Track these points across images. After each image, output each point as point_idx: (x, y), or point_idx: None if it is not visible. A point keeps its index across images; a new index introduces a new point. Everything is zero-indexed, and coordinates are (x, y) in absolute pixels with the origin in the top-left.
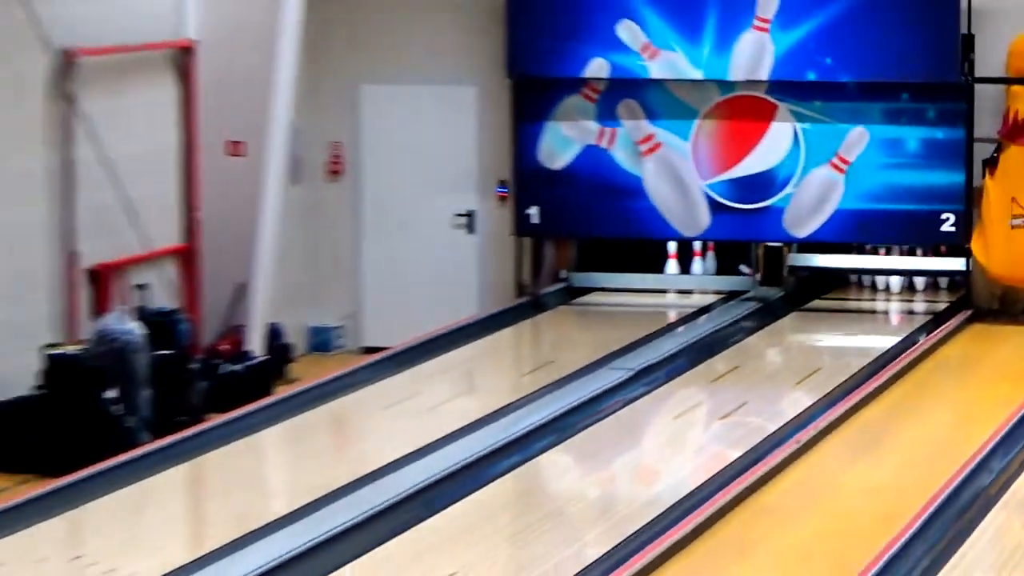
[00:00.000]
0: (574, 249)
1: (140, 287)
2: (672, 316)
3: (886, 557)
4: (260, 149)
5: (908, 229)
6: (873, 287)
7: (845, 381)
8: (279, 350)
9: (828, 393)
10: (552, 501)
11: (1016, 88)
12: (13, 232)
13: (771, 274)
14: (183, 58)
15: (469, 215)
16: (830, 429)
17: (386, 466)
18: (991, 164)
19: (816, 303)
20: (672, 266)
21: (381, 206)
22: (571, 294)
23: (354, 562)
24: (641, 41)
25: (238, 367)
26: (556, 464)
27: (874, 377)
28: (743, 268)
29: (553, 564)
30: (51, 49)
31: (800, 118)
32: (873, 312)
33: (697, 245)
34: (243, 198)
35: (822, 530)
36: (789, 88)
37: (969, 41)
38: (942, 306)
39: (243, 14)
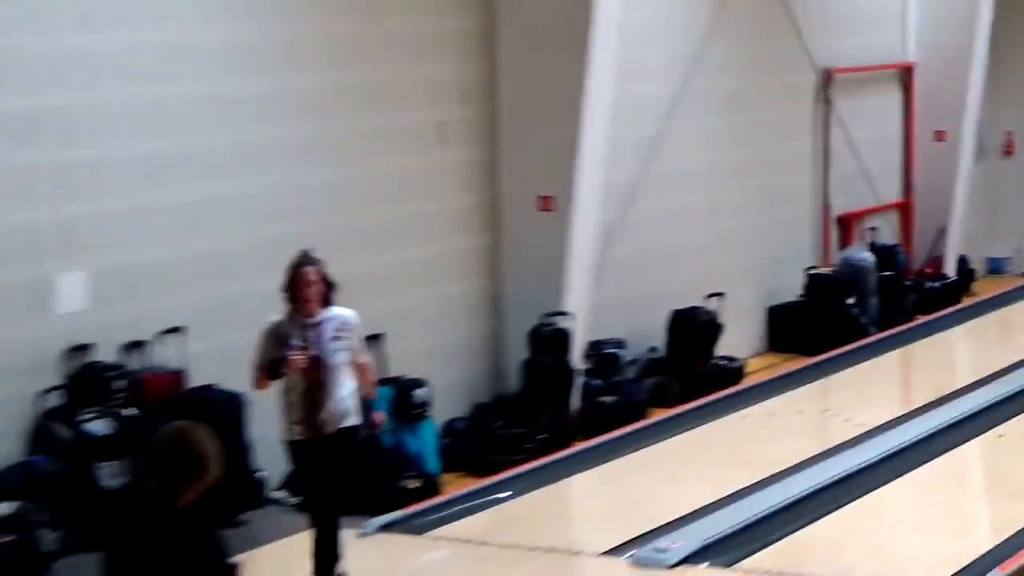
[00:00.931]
0: None
1: (872, 229)
2: None
3: None
4: (956, 136)
5: None
6: None
7: None
8: (965, 273)
9: None
10: None
11: None
12: (788, 191)
13: None
14: (905, 75)
15: None
16: None
17: None
18: None
19: None
20: None
21: None
22: None
23: (1012, 420)
24: None
25: (937, 284)
26: None
27: None
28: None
29: None
30: (816, 69)
31: None
32: None
33: None
34: (943, 170)
35: None
36: None
37: None
38: None
39: (946, 44)
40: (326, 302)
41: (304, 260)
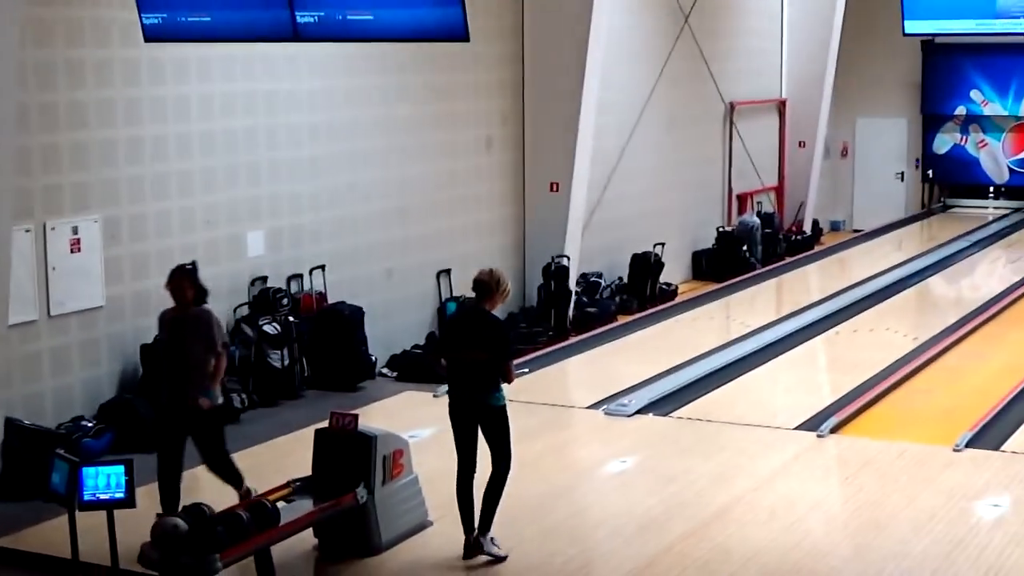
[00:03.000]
0: (948, 188)
1: (758, 202)
2: (990, 217)
3: None
4: (812, 145)
5: None
6: None
7: None
8: (816, 231)
9: None
10: None
11: None
12: (706, 178)
13: None
14: (780, 106)
15: (902, 174)
16: None
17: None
18: None
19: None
20: (991, 195)
21: (864, 169)
22: (946, 208)
23: (843, 323)
24: (980, 98)
25: (798, 237)
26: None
27: None
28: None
29: None
30: (725, 102)
31: None
32: None
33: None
34: (803, 166)
35: None
36: None
37: None
38: None
39: (805, 87)
40: (198, 301)
41: (179, 269)
